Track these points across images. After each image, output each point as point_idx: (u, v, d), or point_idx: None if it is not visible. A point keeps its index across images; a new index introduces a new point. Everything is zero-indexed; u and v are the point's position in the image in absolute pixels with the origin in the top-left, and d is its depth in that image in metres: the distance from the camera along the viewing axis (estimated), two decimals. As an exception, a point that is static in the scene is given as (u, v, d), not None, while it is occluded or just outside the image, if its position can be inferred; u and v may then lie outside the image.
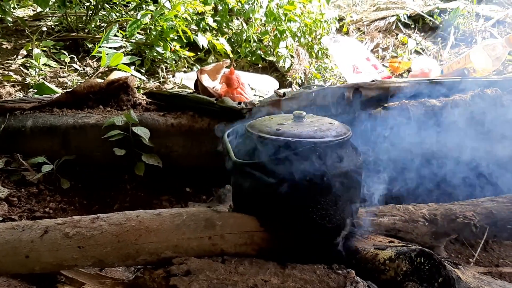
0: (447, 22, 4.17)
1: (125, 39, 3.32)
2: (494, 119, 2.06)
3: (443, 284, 1.28)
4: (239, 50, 3.49)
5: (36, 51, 3.09)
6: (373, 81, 2.21)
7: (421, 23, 4.35)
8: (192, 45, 3.44)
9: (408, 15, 4.32)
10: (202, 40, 3.28)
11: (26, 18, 3.77)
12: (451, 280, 1.29)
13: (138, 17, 3.20)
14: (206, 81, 2.48)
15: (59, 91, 2.70)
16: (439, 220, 1.66)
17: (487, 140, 2.05)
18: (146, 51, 3.29)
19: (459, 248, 1.85)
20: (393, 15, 4.31)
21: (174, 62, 3.37)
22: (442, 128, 2.07)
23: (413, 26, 4.33)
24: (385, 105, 2.13)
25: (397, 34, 4.20)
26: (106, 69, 3.18)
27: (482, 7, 4.41)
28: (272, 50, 3.54)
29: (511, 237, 1.89)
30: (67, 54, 3.25)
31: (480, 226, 1.74)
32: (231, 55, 3.42)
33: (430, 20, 4.28)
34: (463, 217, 1.67)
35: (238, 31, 3.57)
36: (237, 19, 3.71)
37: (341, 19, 4.26)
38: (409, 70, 3.57)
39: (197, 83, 2.44)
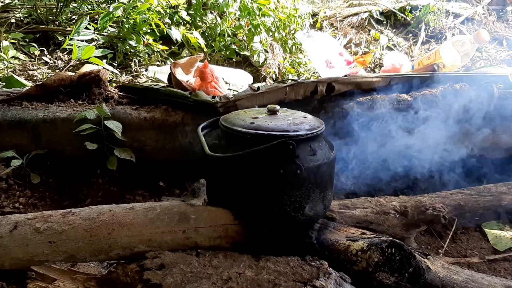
0: (418, 19, 4.25)
1: (96, 32, 3.26)
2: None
3: (413, 274, 1.31)
4: (213, 44, 3.47)
5: (5, 43, 3.00)
6: (346, 76, 2.23)
7: (393, 20, 4.41)
8: (166, 39, 3.40)
9: (381, 12, 4.38)
10: (176, 34, 3.25)
11: (-6, 9, 3.67)
12: (421, 270, 1.33)
13: (110, 9, 3.15)
14: (180, 74, 2.46)
15: (29, 84, 2.64)
16: (409, 212, 1.70)
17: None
18: (119, 44, 3.24)
19: (429, 239, 1.89)
20: (365, 11, 4.36)
21: (147, 55, 3.33)
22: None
23: (385, 22, 4.38)
24: (358, 99, 2.17)
25: (369, 30, 4.25)
26: (78, 62, 3.13)
27: (451, 4, 4.51)
28: (246, 44, 3.53)
29: (479, 228, 1.95)
30: (36, 46, 3.18)
31: (449, 218, 1.79)
32: (205, 49, 3.40)
33: (402, 17, 4.35)
34: (433, 209, 1.71)
35: (212, 25, 3.55)
36: (211, 13, 3.68)
37: (314, 15, 4.29)
38: (380, 65, 3.63)
39: (171, 76, 2.42)
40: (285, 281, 1.23)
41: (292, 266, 1.29)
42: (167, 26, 3.30)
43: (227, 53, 3.49)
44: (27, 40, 3.28)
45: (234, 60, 3.55)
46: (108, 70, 2.94)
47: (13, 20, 3.46)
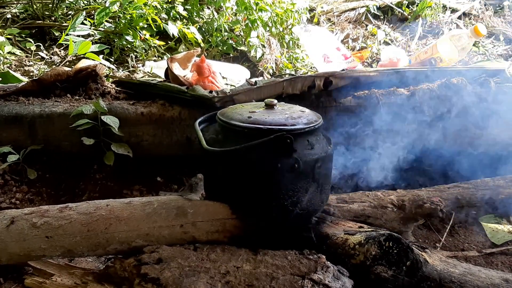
0: (415, 14, 4.25)
1: (93, 27, 3.24)
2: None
3: (411, 267, 1.31)
4: (210, 39, 3.46)
5: (1, 39, 2.99)
6: (343, 70, 2.23)
7: (390, 15, 4.40)
8: (162, 34, 3.39)
9: (378, 6, 4.37)
10: (173, 29, 3.24)
11: (-11, 4, 3.65)
12: (419, 263, 1.33)
13: (107, 4, 3.13)
14: (177, 69, 2.45)
15: (25, 80, 2.63)
16: (407, 206, 1.70)
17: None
18: (115, 40, 3.22)
19: (427, 233, 1.90)
20: (363, 6, 4.35)
21: (144, 51, 3.32)
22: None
23: (382, 17, 4.38)
24: (355, 94, 2.16)
25: (366, 25, 4.25)
26: (74, 57, 3.11)
27: (449, -1, 4.51)
28: (243, 39, 3.52)
29: (476, 222, 1.96)
30: (33, 42, 3.16)
31: (446, 212, 1.79)
32: (202, 44, 3.39)
33: (399, 12, 4.35)
34: (430, 203, 1.71)
35: (209, 20, 3.53)
36: (208, 8, 3.67)
37: (312, 10, 4.28)
38: (378, 60, 3.63)
39: (168, 71, 2.41)
40: (283, 274, 1.23)
41: (290, 259, 1.29)
42: (164, 21, 3.29)
43: (224, 48, 3.48)
44: (23, 35, 3.26)
45: (231, 55, 3.54)
46: (104, 65, 2.92)
47: (9, 16, 3.44)
